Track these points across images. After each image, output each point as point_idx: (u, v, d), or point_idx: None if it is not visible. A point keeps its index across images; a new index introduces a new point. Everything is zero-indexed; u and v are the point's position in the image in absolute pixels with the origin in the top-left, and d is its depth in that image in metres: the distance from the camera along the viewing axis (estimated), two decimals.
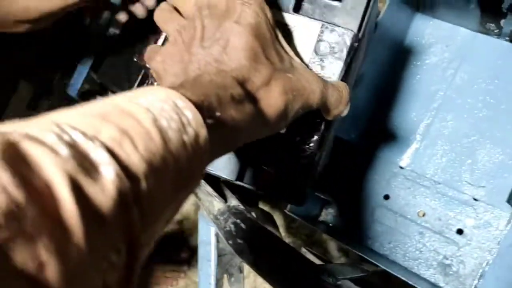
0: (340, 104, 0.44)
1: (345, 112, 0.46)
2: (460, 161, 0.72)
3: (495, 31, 0.71)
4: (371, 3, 0.48)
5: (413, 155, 0.75)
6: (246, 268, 1.28)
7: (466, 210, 0.71)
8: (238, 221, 0.62)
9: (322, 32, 0.47)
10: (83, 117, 0.22)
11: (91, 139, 0.21)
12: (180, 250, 1.40)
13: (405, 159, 0.76)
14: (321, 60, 0.47)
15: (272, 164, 0.49)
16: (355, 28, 0.47)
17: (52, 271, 0.17)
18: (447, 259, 0.71)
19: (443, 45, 0.75)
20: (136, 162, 0.22)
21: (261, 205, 1.09)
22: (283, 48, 0.42)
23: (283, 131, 0.47)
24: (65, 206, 0.18)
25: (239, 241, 0.60)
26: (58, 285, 0.17)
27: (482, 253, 0.69)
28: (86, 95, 0.98)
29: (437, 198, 0.73)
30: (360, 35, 0.48)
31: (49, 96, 1.01)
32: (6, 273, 0.16)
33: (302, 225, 1.21)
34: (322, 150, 0.50)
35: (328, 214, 0.81)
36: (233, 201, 0.67)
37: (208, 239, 0.73)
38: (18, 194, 0.17)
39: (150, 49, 0.44)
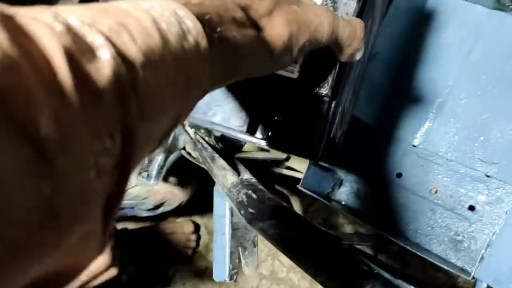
0: (354, 41, 0.41)
1: (359, 54, 0.43)
2: (472, 138, 0.72)
3: (511, 6, 0.71)
4: None
5: (426, 133, 0.76)
6: (264, 251, 1.30)
7: (478, 187, 0.71)
8: (249, 192, 0.64)
9: None
10: (82, 9, 0.22)
11: (88, 25, 0.21)
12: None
13: (418, 137, 0.76)
14: (334, 1, 0.46)
15: (284, 113, 0.47)
16: None
17: (47, 130, 0.17)
18: (458, 235, 0.71)
19: (458, 22, 0.75)
20: (134, 52, 0.23)
21: (278, 188, 1.11)
22: None
23: (294, 75, 0.45)
24: (61, 73, 0.18)
25: (250, 210, 0.62)
26: (54, 148, 0.17)
27: (493, 228, 0.69)
28: None
29: (449, 176, 0.73)
30: None
31: None
32: (3, 125, 0.16)
33: (318, 209, 1.22)
34: (338, 98, 0.47)
35: (341, 193, 0.82)
36: (246, 174, 0.69)
37: (223, 213, 0.75)
38: (13, 51, 0.17)
39: None
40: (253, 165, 0.87)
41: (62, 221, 0.18)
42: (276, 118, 0.47)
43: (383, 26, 0.69)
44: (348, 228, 1.20)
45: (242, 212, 0.63)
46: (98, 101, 0.20)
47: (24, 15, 0.19)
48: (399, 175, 0.78)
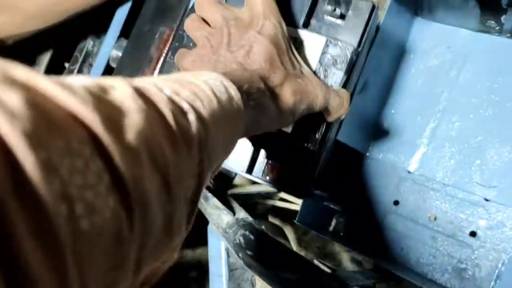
0: (341, 109, 0.50)
1: (344, 116, 0.52)
2: (469, 162, 0.71)
3: (496, 28, 0.71)
4: (370, 23, 0.54)
5: (421, 159, 0.75)
6: (259, 283, 1.27)
7: (478, 211, 0.70)
8: (247, 233, 0.62)
9: (326, 45, 0.54)
10: (166, 81, 0.30)
11: (176, 94, 0.29)
12: (190, 269, 1.39)
13: (413, 163, 0.75)
14: (325, 70, 0.54)
15: (279, 159, 0.55)
16: (355, 43, 0.54)
17: (170, 164, 0.25)
18: (462, 263, 0.69)
19: (445, 47, 0.75)
20: (205, 114, 0.30)
21: (271, 219, 1.08)
22: (295, 57, 0.49)
23: (289, 130, 0.53)
24: (173, 127, 0.26)
25: (248, 253, 0.59)
26: (173, 180, 0.25)
27: (497, 254, 0.67)
28: None
29: (447, 201, 0.72)
30: (359, 49, 0.54)
31: None
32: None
33: (313, 237, 1.20)
34: (323, 149, 0.55)
35: (338, 224, 0.80)
36: (241, 214, 0.67)
37: (219, 254, 0.72)
38: (143, 106, 0.25)
39: (180, 52, 0.51)
40: (247, 199, 0.85)
41: (175, 228, 0.27)
42: (271, 162, 0.55)
43: (369, 56, 0.68)
44: (344, 256, 1.18)
45: (240, 254, 0.61)
46: (190, 149, 0.28)
47: (143, 86, 0.27)
48: (396, 202, 0.76)
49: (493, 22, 0.69)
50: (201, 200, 0.69)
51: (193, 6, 0.56)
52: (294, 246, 1.17)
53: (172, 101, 0.28)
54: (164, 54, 0.85)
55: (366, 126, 0.78)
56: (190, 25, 0.51)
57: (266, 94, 0.41)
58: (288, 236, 1.09)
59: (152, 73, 0.87)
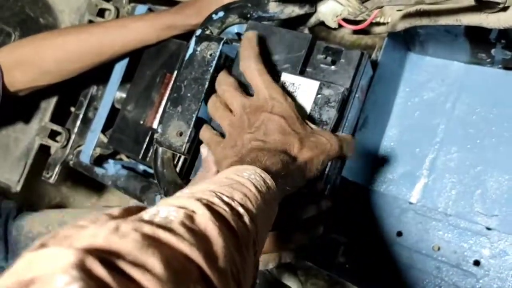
0: (350, 151, 0.58)
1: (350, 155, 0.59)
2: (469, 191, 0.72)
3: (487, 60, 0.73)
4: (360, 67, 0.61)
5: (422, 190, 0.76)
6: None
7: (481, 241, 0.71)
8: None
9: (320, 88, 0.60)
10: (220, 186, 0.38)
11: (232, 199, 0.37)
12: None
13: (415, 194, 0.76)
14: (320, 109, 0.60)
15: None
16: (347, 84, 0.60)
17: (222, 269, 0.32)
18: None
19: (439, 80, 0.77)
20: (254, 212, 0.38)
21: None
22: (304, 121, 0.56)
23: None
24: (238, 234, 0.35)
25: None
26: (239, 275, 0.33)
27: (502, 283, 0.68)
28: (99, 160, 1.01)
29: (450, 231, 0.73)
30: (351, 89, 0.60)
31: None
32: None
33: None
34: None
35: (343, 257, 0.81)
36: None
37: None
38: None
39: (211, 140, 0.60)
40: None
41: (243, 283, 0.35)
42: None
43: (369, 92, 0.70)
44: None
45: None
46: (249, 248, 0.36)
47: (212, 202, 0.35)
48: (399, 233, 0.77)
49: (484, 55, 0.71)
50: None
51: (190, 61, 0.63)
52: (302, 276, 1.18)
53: (231, 209, 0.36)
54: (165, 98, 0.88)
55: (367, 159, 0.79)
56: (215, 111, 0.60)
57: (290, 164, 0.50)
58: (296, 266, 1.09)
59: (154, 116, 0.89)
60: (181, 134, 0.64)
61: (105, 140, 1.01)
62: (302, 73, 0.63)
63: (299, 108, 0.59)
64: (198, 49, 0.65)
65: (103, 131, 0.99)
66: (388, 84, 0.78)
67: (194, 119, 0.64)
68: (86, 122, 1.04)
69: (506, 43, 0.66)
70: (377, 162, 0.80)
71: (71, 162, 1.03)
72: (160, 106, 0.88)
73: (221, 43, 0.64)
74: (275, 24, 0.78)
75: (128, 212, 0.33)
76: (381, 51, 0.71)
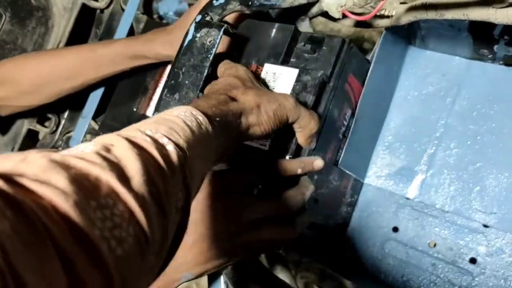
0: (311, 122, 0.56)
1: (313, 144, 0.60)
2: (468, 188, 0.72)
3: (489, 56, 0.72)
4: (341, 54, 0.63)
5: (419, 186, 0.75)
6: None
7: (477, 238, 0.70)
8: (247, 269, 0.62)
9: (299, 75, 0.62)
10: (146, 124, 0.40)
11: (155, 132, 0.38)
12: None
13: (412, 190, 0.75)
14: (297, 95, 0.61)
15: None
16: (328, 71, 0.62)
17: (164, 189, 0.35)
18: None
19: (439, 75, 0.76)
20: (182, 142, 0.39)
21: None
22: (260, 84, 0.59)
23: (266, 148, 0.61)
24: (158, 159, 0.36)
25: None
26: (160, 196, 0.34)
27: (498, 281, 0.68)
28: None
29: (446, 228, 0.72)
30: (332, 75, 0.63)
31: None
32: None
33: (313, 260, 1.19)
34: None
35: (338, 250, 0.80)
36: None
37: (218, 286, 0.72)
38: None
39: None
40: None
41: (169, 234, 0.37)
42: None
43: (366, 84, 0.69)
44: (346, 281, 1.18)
45: None
46: (174, 172, 0.37)
47: (132, 135, 0.37)
48: (396, 229, 0.76)
49: (486, 51, 0.70)
50: None
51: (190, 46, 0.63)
52: (294, 268, 1.17)
53: (154, 140, 0.37)
54: (160, 86, 0.86)
55: (364, 153, 0.78)
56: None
57: (228, 103, 0.50)
58: (288, 259, 1.08)
59: (148, 103, 0.87)
60: None
61: (96, 127, 0.99)
62: (286, 63, 0.65)
63: None
64: (198, 35, 0.64)
65: (94, 117, 0.97)
66: (386, 78, 0.77)
67: None
68: (77, 107, 1.01)
69: (509, 40, 0.65)
70: (374, 156, 0.79)
71: (60, 149, 1.01)
72: (154, 93, 0.86)
73: (222, 30, 0.62)
74: (276, 12, 0.76)
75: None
76: (379, 44, 0.70)
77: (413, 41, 0.77)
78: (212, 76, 0.62)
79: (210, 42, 0.62)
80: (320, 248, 0.79)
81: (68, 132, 1.01)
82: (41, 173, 0.28)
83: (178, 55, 0.65)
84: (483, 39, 0.68)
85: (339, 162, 0.70)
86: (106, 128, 0.90)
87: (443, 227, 0.73)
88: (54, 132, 1.01)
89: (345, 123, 0.70)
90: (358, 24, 0.74)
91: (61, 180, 0.28)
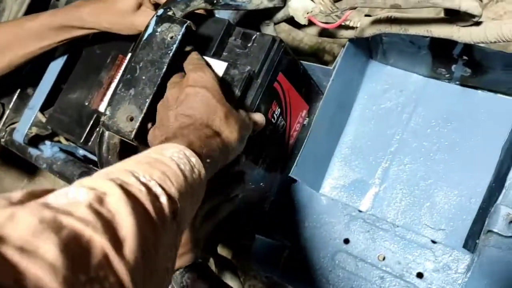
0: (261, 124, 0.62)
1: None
2: (419, 204, 0.73)
3: (446, 75, 0.73)
4: (272, 52, 0.64)
5: (372, 199, 0.75)
6: None
7: (425, 253, 0.71)
8: (195, 275, 0.60)
9: (228, 69, 0.63)
10: (139, 165, 0.38)
11: (150, 179, 0.37)
12: None
13: (365, 203, 0.76)
14: (225, 88, 0.59)
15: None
16: (255, 67, 0.63)
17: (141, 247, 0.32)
18: None
19: (397, 91, 0.77)
20: (174, 191, 0.38)
21: (220, 251, 1.06)
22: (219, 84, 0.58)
23: None
24: (152, 213, 0.34)
25: None
26: (150, 257, 0.33)
27: None
28: (34, 140, 0.93)
29: (396, 242, 0.73)
30: (260, 72, 0.64)
31: None
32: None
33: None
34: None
35: (288, 260, 0.79)
36: None
37: None
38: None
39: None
40: None
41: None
42: None
43: (326, 96, 0.69)
44: None
45: None
46: (165, 228, 0.36)
47: (126, 182, 0.35)
48: (347, 241, 0.76)
49: (444, 70, 0.72)
50: None
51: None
52: (242, 276, 1.15)
53: (148, 190, 0.36)
54: (115, 80, 0.82)
55: (320, 164, 0.78)
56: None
57: (214, 138, 0.50)
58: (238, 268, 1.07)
59: (101, 98, 0.83)
60: (131, 119, 0.60)
61: (44, 119, 0.94)
62: (218, 56, 0.66)
63: None
64: (159, 30, 0.61)
65: (42, 109, 0.92)
66: (346, 90, 0.77)
67: (147, 104, 0.59)
68: (24, 98, 0.96)
69: (467, 60, 0.67)
70: (329, 167, 0.79)
71: (2, 140, 0.95)
72: (109, 88, 0.83)
73: (184, 26, 0.60)
74: (241, 14, 0.75)
75: (32, 196, 0.30)
76: (341, 55, 0.70)
77: (375, 55, 0.77)
78: (172, 72, 0.60)
79: (171, 38, 0.60)
80: (269, 256, 0.78)
81: (13, 123, 0.96)
82: (29, 237, 0.25)
83: (136, 49, 0.62)
84: (442, 58, 0.69)
85: (291, 171, 0.69)
86: (54, 121, 0.85)
87: (393, 241, 0.73)
88: None
89: (273, 120, 0.69)
90: (321, 34, 0.74)
91: (51, 250, 0.25)
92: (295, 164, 0.69)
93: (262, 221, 0.78)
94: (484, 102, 0.72)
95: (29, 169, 1.48)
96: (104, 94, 0.83)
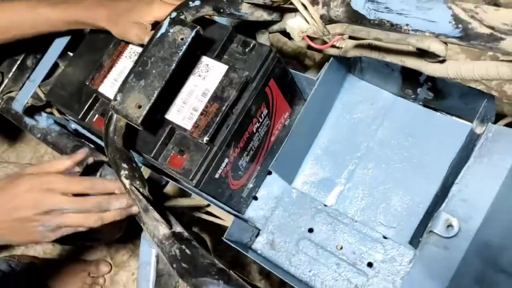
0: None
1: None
2: (376, 204, 0.84)
3: (412, 96, 0.85)
4: (267, 61, 0.73)
5: (337, 196, 0.86)
6: None
7: (377, 246, 0.83)
8: (183, 246, 0.68)
9: (228, 71, 0.72)
10: None
11: None
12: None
13: (330, 199, 0.86)
14: (223, 88, 0.72)
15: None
16: (252, 73, 0.73)
17: None
18: None
19: (369, 104, 0.88)
20: None
21: (194, 228, 1.15)
22: None
23: None
24: None
25: (183, 265, 0.66)
26: None
27: (387, 284, 0.80)
28: (29, 110, 0.99)
29: (353, 234, 0.84)
30: (255, 77, 0.73)
31: None
32: None
33: (227, 247, 1.28)
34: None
35: (257, 243, 0.89)
36: (178, 228, 0.73)
37: (149, 260, 0.78)
38: None
39: None
40: (176, 210, 0.91)
41: None
42: None
43: (309, 101, 0.79)
44: (254, 267, 1.28)
45: (175, 265, 0.67)
46: None
47: None
48: (311, 230, 0.87)
49: (410, 91, 0.83)
50: (141, 210, 0.74)
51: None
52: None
53: None
54: (117, 65, 0.89)
55: (295, 161, 0.88)
56: None
57: None
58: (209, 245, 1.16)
59: (102, 80, 0.90)
60: (139, 107, 0.68)
61: (40, 92, 0.99)
62: (219, 58, 0.75)
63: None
64: (171, 30, 0.69)
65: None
66: (325, 99, 0.88)
67: (155, 95, 0.67)
68: (23, 69, 1.01)
69: (431, 86, 0.78)
70: (303, 165, 0.89)
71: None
72: (109, 72, 0.89)
73: (194, 31, 0.68)
74: (241, 23, 0.84)
75: None
76: (325, 68, 0.80)
77: (353, 70, 0.88)
78: (180, 70, 0.68)
79: (181, 39, 0.68)
80: (241, 236, 0.87)
81: (9, 92, 1.01)
82: None
83: (149, 44, 0.70)
84: (411, 81, 0.80)
85: (271, 165, 0.79)
86: (55, 95, 0.91)
87: (351, 233, 0.84)
88: None
89: (260, 120, 0.79)
90: (309, 47, 0.83)
91: None
92: (274, 159, 0.80)
93: (239, 205, 0.88)
94: (441, 122, 0.84)
95: (10, 136, 1.51)
96: (105, 77, 0.90)
